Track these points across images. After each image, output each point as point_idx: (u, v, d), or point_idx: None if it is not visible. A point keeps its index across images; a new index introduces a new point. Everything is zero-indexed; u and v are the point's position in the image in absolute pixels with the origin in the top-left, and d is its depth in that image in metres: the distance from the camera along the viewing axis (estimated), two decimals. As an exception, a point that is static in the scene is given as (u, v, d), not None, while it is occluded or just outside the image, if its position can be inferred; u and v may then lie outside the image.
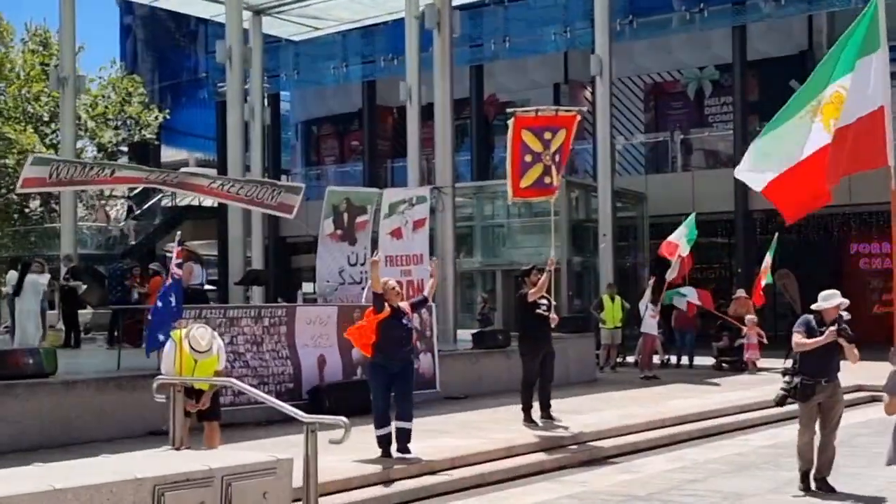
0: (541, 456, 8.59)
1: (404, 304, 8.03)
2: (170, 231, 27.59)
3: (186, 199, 28.95)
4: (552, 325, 9.93)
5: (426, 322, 12.23)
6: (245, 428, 9.17)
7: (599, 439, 9.41)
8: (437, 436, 8.92)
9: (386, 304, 7.73)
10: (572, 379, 14.24)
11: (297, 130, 32.63)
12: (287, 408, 5.82)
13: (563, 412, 10.38)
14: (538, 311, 9.85)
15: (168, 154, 33.23)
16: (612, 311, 16.64)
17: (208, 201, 28.31)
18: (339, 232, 14.12)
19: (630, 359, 17.63)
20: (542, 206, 23.14)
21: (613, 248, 19.05)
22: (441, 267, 14.99)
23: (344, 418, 5.46)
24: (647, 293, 15.46)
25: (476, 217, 22.57)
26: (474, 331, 14.21)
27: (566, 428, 9.59)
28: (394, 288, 7.88)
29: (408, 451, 7.75)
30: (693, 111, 25.78)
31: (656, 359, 16.16)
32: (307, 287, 15.26)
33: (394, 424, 7.81)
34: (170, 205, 30.04)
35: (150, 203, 28.93)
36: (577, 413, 10.79)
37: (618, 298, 16.79)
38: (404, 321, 7.80)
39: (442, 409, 11.13)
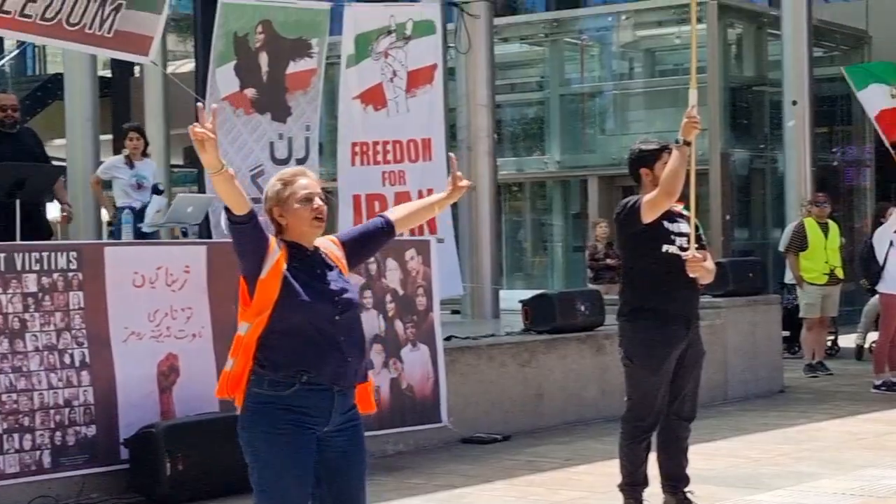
0: None
1: (329, 244, 5.29)
2: (33, 116, 26.25)
3: (57, 60, 27.84)
4: (700, 281, 7.70)
5: (415, 276, 10.18)
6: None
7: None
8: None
9: (273, 240, 5.10)
10: (733, 393, 13.07)
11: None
12: None
13: (715, 486, 8.57)
14: (667, 248, 7.51)
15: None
16: (823, 250, 14.80)
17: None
18: (249, 93, 12.02)
19: (847, 342, 16.60)
20: (671, 55, 21.57)
21: (811, 129, 17.91)
22: (470, 163, 14.00)
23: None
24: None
25: (550, 80, 22.16)
26: (530, 294, 12.28)
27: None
28: (296, 194, 5.07)
29: None
30: None
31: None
32: (154, 201, 12.33)
33: None
34: (34, 72, 29.67)
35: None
36: (751, 487, 8.82)
37: (833, 226, 15.05)
38: (334, 283, 5.15)
39: (448, 469, 9.43)
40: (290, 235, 4.92)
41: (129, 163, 12.42)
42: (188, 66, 27.34)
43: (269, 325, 4.81)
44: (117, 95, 26.98)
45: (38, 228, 11.31)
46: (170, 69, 25.20)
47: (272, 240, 4.85)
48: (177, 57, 28.78)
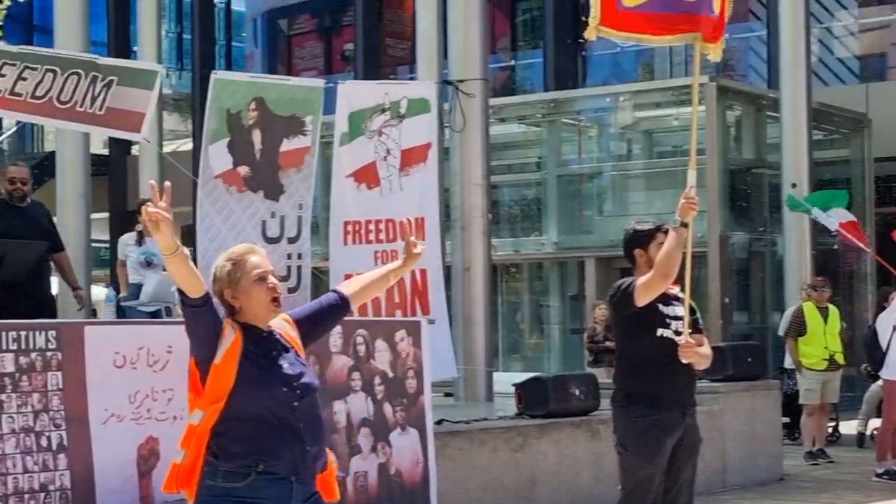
0: None
1: (283, 324, 5.00)
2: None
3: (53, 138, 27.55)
4: (695, 367, 7.43)
5: (405, 357, 9.77)
6: None
7: None
8: None
9: (229, 324, 4.84)
10: (731, 480, 12.83)
11: (256, 28, 33.26)
12: None
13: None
14: (662, 332, 7.29)
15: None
16: (822, 335, 14.61)
17: (94, 143, 26.51)
18: (242, 170, 11.78)
19: (848, 428, 16.31)
20: (670, 137, 21.49)
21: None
22: (464, 243, 13.89)
23: None
24: (896, 303, 13.61)
25: (548, 160, 21.96)
26: (524, 377, 12.00)
27: None
28: (248, 273, 4.85)
29: None
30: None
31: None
32: (149, 279, 12.22)
33: None
34: (32, 149, 30.19)
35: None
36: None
37: (834, 311, 14.86)
38: (291, 367, 4.84)
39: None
40: (243, 317, 4.66)
41: (139, 240, 12.24)
42: (188, 145, 27.38)
43: (225, 412, 4.51)
44: (114, 173, 26.97)
45: (39, 306, 10.96)
46: (170, 148, 25.10)
47: (226, 322, 4.61)
48: (178, 136, 28.82)
